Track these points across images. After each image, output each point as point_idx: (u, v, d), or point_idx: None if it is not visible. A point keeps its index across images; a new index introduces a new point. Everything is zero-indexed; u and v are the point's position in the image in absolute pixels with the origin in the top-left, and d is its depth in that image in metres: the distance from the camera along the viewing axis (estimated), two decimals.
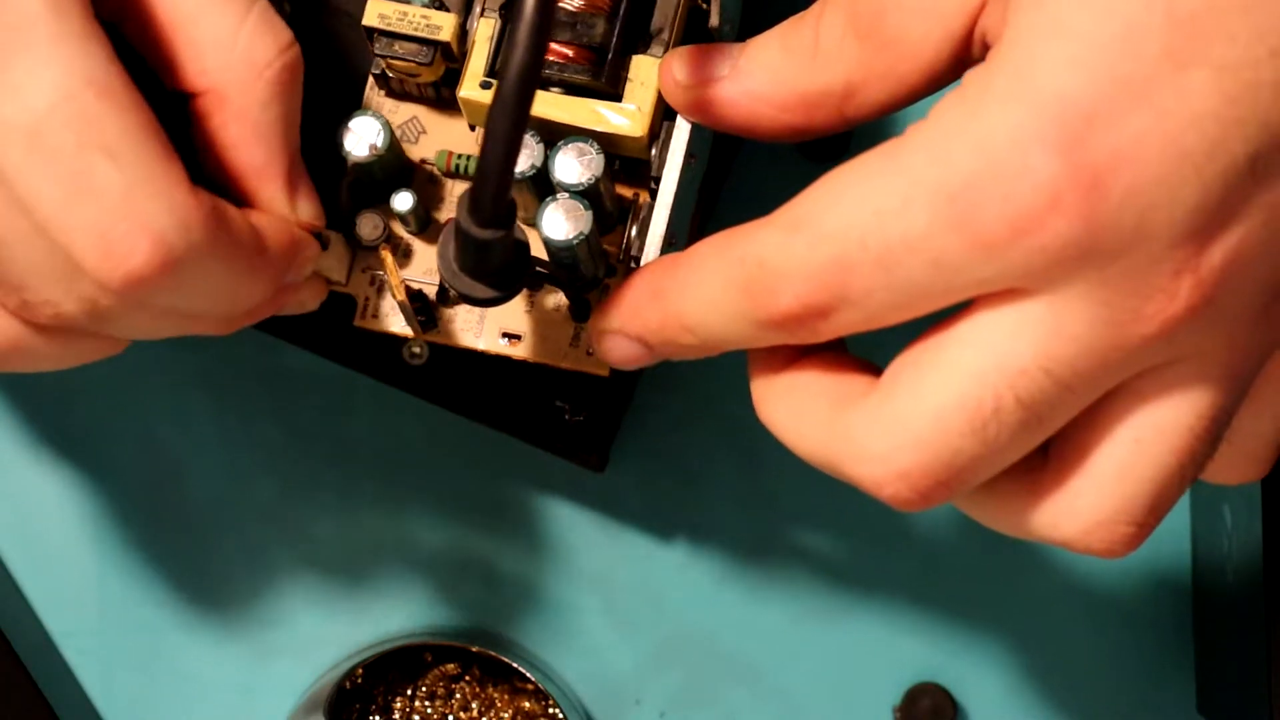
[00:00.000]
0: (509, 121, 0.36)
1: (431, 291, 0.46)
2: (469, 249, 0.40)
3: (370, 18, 0.44)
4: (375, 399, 0.57)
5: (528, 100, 0.36)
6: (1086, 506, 0.37)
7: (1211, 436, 0.37)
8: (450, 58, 0.45)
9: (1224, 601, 0.56)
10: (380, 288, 0.46)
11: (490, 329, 0.46)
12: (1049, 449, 0.38)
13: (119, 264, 0.38)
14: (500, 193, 0.38)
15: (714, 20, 0.44)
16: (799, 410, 0.39)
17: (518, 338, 0.46)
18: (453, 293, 0.42)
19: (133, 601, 0.57)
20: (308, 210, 0.43)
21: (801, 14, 0.41)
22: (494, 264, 0.40)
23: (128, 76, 0.38)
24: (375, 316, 0.46)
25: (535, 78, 0.36)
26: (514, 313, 0.46)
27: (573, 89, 0.44)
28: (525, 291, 0.45)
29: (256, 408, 0.57)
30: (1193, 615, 0.58)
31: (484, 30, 0.44)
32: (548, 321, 0.46)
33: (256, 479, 0.57)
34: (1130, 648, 0.58)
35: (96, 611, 0.57)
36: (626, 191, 0.46)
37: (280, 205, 0.42)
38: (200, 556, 0.57)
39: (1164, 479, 0.37)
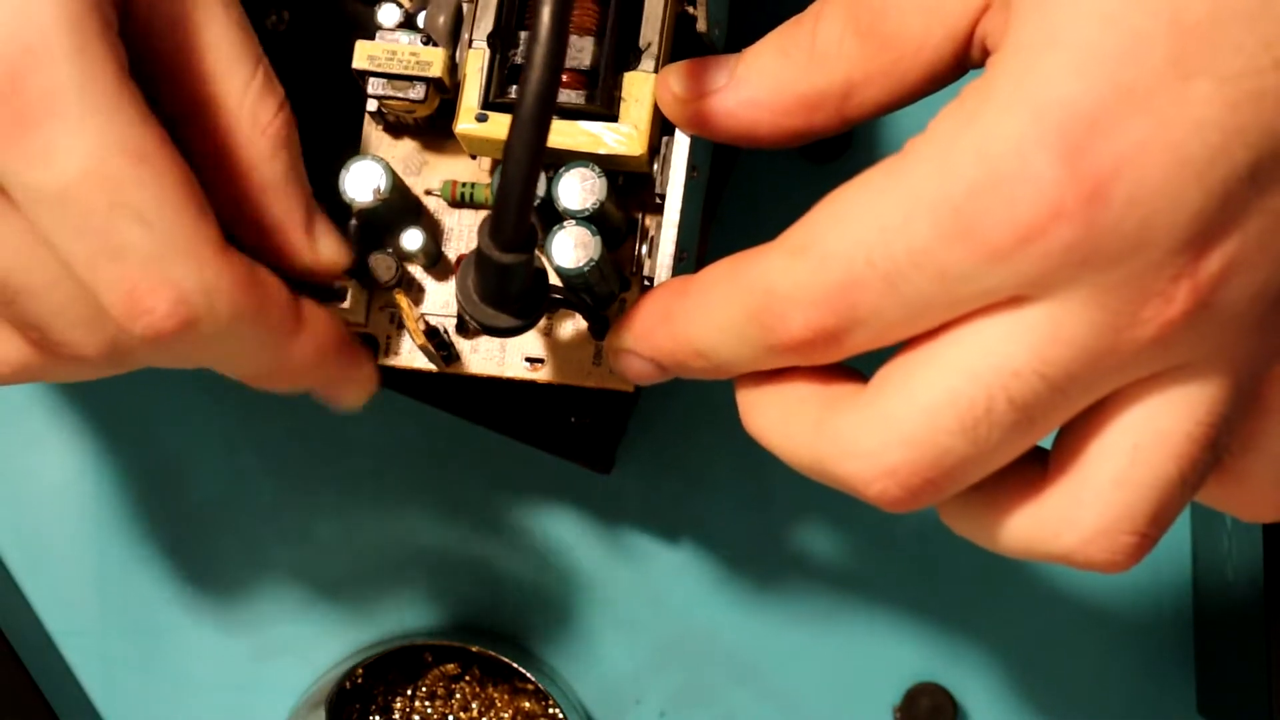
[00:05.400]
0: (528, 145, 0.36)
1: (450, 325, 0.46)
2: (491, 275, 0.40)
3: (360, 60, 0.44)
4: (377, 399, 0.56)
5: (546, 122, 0.36)
6: (1087, 515, 0.37)
7: (1211, 443, 0.37)
8: (443, 91, 0.45)
9: (1224, 601, 0.56)
10: (400, 324, 0.46)
11: (512, 356, 0.46)
12: (1049, 461, 0.38)
13: (140, 316, 0.38)
14: (522, 216, 0.38)
15: (701, 25, 0.44)
16: (786, 415, 0.39)
17: (540, 361, 0.46)
18: (472, 324, 0.42)
19: (133, 601, 0.57)
20: (330, 250, 0.43)
21: (797, 17, 0.41)
22: (516, 290, 0.40)
23: (163, 134, 0.39)
24: (398, 354, 0.46)
25: (553, 99, 0.36)
26: (534, 337, 0.46)
27: (567, 113, 0.43)
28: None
29: (257, 408, 0.57)
30: (1193, 615, 0.58)
31: (473, 62, 0.44)
32: (568, 342, 0.46)
33: (257, 479, 0.57)
34: (1130, 648, 0.58)
35: (96, 611, 0.57)
36: (634, 207, 0.46)
37: (302, 250, 0.43)
38: (200, 556, 0.57)
39: (1164, 486, 0.37)
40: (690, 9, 0.44)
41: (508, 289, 0.40)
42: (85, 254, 0.38)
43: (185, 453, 0.57)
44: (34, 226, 0.38)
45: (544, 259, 0.43)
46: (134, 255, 0.38)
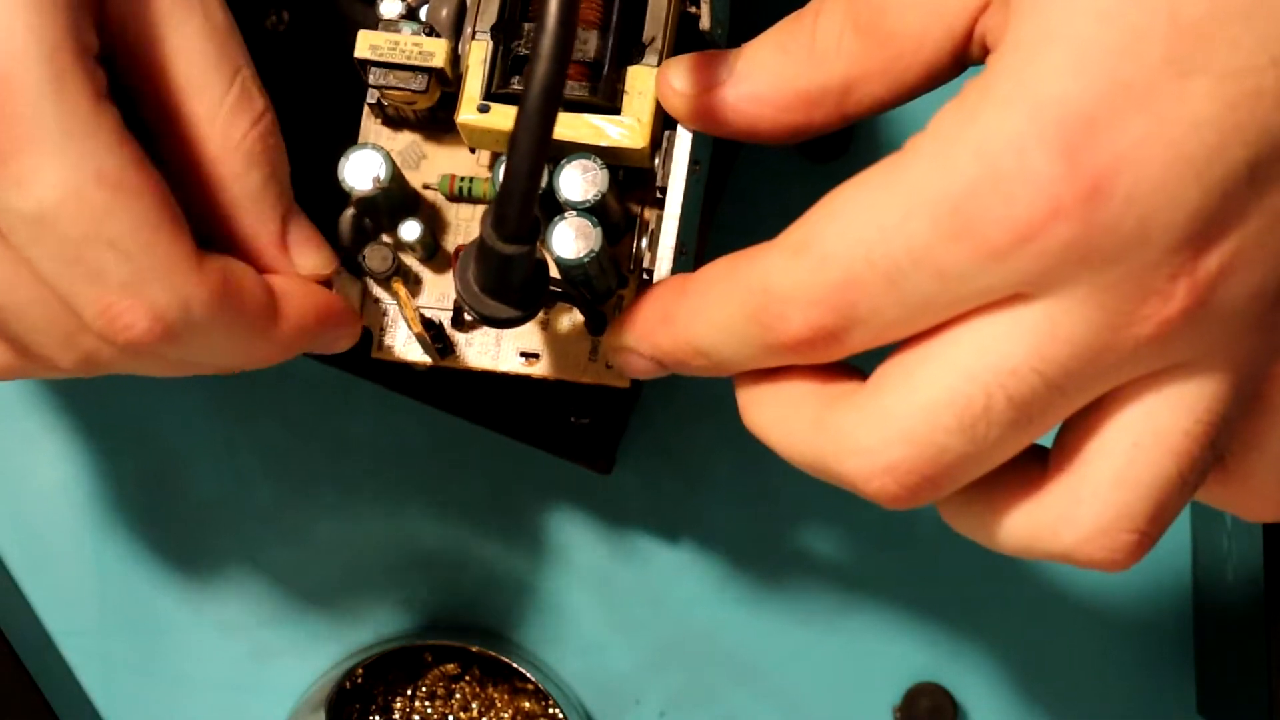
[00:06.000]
0: (533, 137, 0.36)
1: (446, 318, 0.46)
2: (493, 266, 0.40)
3: (362, 49, 0.44)
4: (376, 399, 0.57)
5: (552, 114, 0.36)
6: (1086, 514, 0.37)
7: (1210, 441, 0.37)
8: (445, 82, 0.45)
9: (1224, 601, 0.56)
10: (394, 318, 0.46)
11: (507, 350, 0.46)
12: (1049, 459, 0.38)
13: (119, 333, 0.39)
14: (526, 207, 0.38)
15: (705, 23, 0.44)
16: (786, 413, 0.39)
17: (535, 356, 0.46)
18: (470, 316, 0.42)
19: (133, 601, 0.57)
20: (309, 262, 0.43)
21: (798, 13, 0.41)
22: (517, 281, 0.40)
23: (140, 155, 0.39)
24: (392, 346, 0.46)
25: (559, 91, 0.36)
26: (530, 331, 0.46)
27: (570, 105, 0.43)
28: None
29: (257, 408, 0.57)
30: (1193, 615, 0.58)
31: (476, 53, 0.44)
32: (564, 337, 0.46)
33: (257, 479, 0.57)
34: (1130, 647, 0.58)
35: (96, 611, 0.57)
36: (634, 203, 0.46)
37: (276, 263, 0.43)
38: (201, 556, 0.57)
39: (1163, 484, 0.37)
40: (693, 8, 0.44)
41: (509, 280, 0.40)
42: (63, 276, 0.39)
43: (185, 453, 0.57)
44: (15, 246, 0.39)
45: (544, 250, 0.43)
46: (110, 279, 0.39)
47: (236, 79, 0.42)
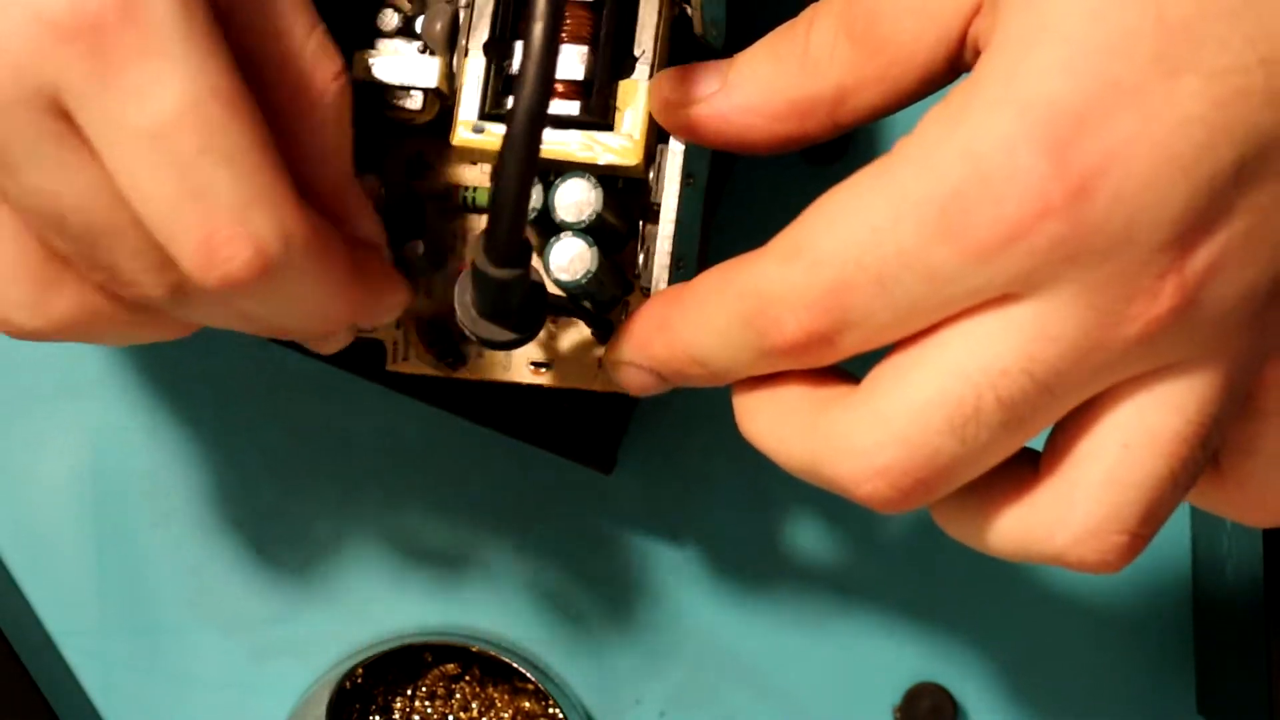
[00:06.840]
0: (519, 163, 0.36)
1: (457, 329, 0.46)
2: (488, 291, 0.39)
3: (358, 70, 0.44)
4: (376, 399, 0.57)
5: (536, 138, 0.36)
6: (1077, 515, 0.37)
7: (1201, 441, 0.37)
8: (443, 98, 0.45)
9: (1224, 601, 0.56)
10: (407, 330, 0.46)
11: (518, 361, 0.46)
12: (1040, 461, 0.38)
13: (217, 266, 0.38)
14: (515, 231, 0.38)
15: (698, 27, 0.44)
16: (780, 418, 0.39)
17: (546, 366, 0.46)
18: (474, 340, 0.42)
19: (133, 601, 0.57)
20: (367, 229, 0.42)
21: (790, 22, 0.41)
22: (513, 304, 0.40)
23: (246, 86, 0.38)
24: (406, 359, 0.46)
25: (543, 115, 0.36)
26: (539, 341, 0.46)
27: (562, 123, 0.43)
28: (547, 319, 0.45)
29: (257, 407, 0.57)
30: (1193, 615, 0.58)
31: (470, 71, 0.44)
32: (574, 346, 0.46)
33: (257, 478, 0.57)
34: (1130, 647, 0.57)
35: (96, 611, 0.57)
36: (637, 210, 0.46)
37: (343, 225, 0.42)
38: (201, 556, 0.57)
39: (1155, 485, 0.37)
40: (688, 8, 0.44)
41: (506, 303, 0.40)
42: (168, 197, 0.37)
43: (186, 453, 0.57)
44: (115, 167, 0.37)
45: (541, 271, 0.43)
46: (218, 200, 0.37)
47: (314, 32, 0.41)
